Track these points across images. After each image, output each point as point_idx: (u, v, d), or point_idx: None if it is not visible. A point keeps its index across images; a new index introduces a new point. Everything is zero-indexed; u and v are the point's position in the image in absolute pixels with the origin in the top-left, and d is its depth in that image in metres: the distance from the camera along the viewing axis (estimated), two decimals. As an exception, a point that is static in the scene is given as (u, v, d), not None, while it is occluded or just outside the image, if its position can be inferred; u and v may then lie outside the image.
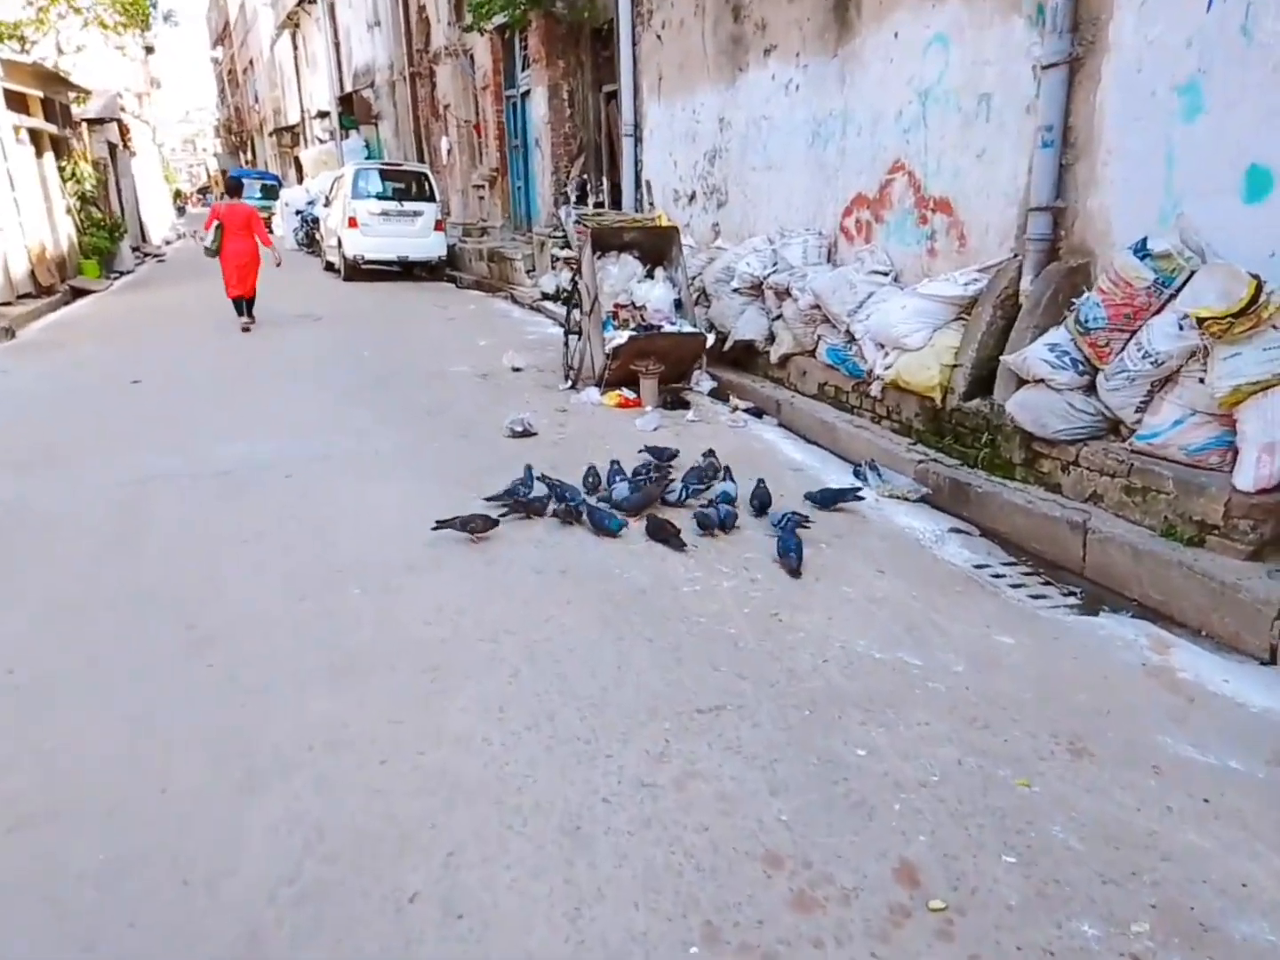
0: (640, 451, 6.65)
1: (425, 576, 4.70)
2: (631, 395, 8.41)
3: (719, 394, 8.94)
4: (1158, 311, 4.99)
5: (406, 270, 20.37)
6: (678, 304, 8.94)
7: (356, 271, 19.21)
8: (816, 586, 4.70)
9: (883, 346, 7.01)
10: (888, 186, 7.62)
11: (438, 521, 5.16)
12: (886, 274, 7.48)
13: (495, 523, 5.28)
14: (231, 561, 4.90)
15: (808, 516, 5.49)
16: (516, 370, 9.94)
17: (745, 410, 8.35)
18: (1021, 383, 5.79)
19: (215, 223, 12.54)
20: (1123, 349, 5.16)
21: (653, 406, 8.30)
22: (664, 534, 5.22)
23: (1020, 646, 4.11)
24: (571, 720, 3.41)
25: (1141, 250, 5.04)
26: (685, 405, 8.36)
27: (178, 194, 62.62)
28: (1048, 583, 5.09)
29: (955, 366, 6.41)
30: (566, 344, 9.45)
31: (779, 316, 8.51)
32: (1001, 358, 5.88)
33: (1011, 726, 3.47)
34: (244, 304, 12.97)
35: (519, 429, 7.30)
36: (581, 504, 5.52)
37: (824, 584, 4.73)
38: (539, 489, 5.70)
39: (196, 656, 3.91)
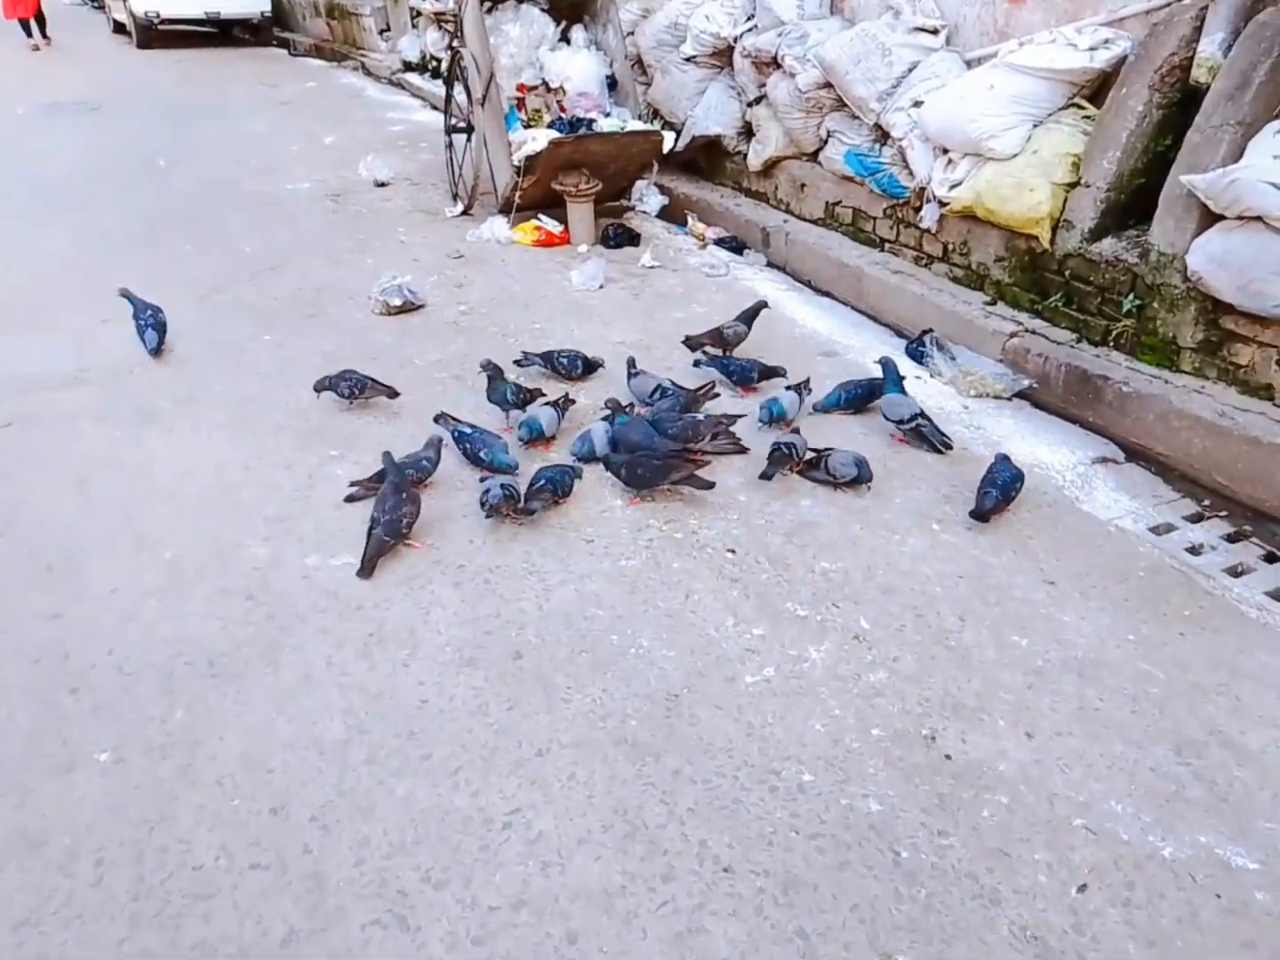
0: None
1: (234, 691, 2.43)
2: (555, 227, 5.84)
3: (670, 215, 6.43)
4: None
5: (223, 32, 16.00)
6: (611, 83, 6.19)
7: (153, 35, 14.79)
8: (966, 636, 2.67)
9: (945, 152, 4.63)
10: (938, -116, 4.92)
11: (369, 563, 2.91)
12: (936, 32, 4.96)
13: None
14: None
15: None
16: (381, 185, 7.08)
17: (716, 242, 5.93)
18: (1212, 219, 3.60)
19: None
20: None
21: (588, 245, 5.78)
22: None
23: (1387, 780, 2.23)
24: None
25: None
26: (634, 239, 5.86)
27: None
28: (1272, 557, 3.22)
29: (1075, 186, 4.15)
30: (449, 145, 6.62)
31: (759, 99, 5.90)
32: (1178, 176, 3.64)
33: None
34: (30, 25, 13.76)
35: (397, 301, 4.75)
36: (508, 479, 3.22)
37: (974, 625, 2.71)
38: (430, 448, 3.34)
39: None
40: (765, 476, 3.35)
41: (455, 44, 6.16)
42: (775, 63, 5.57)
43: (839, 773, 2.21)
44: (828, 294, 5.33)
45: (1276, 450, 3.35)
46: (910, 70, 4.90)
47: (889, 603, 2.80)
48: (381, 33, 12.44)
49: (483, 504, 3.02)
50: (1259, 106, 3.51)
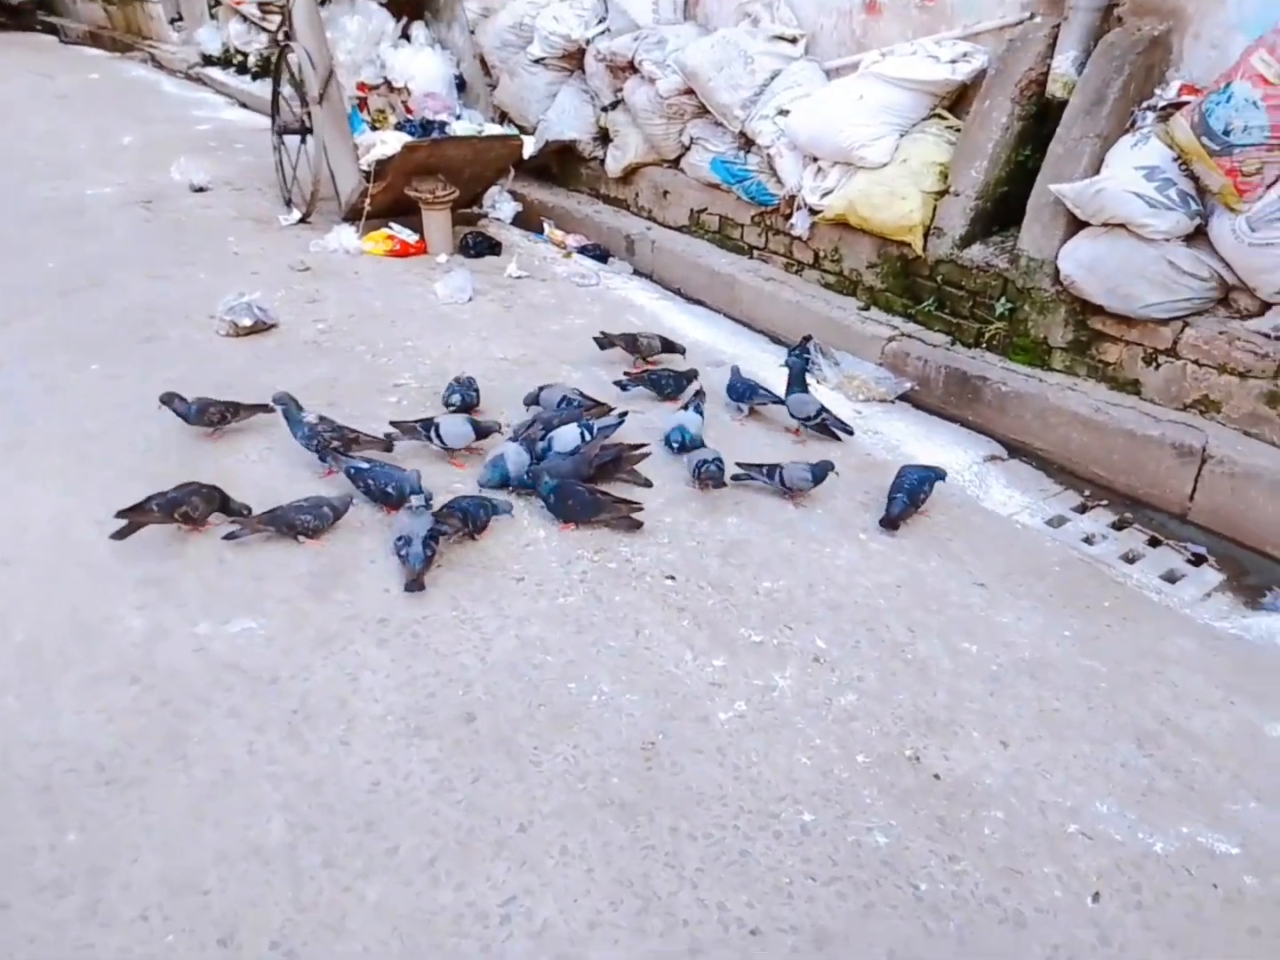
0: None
1: (139, 800, 2.05)
2: (410, 236, 5.48)
3: (525, 222, 6.21)
4: (1360, 116, 3.15)
5: (-27, 16, 14.16)
6: (460, 83, 5.88)
7: (-114, 17, 12.88)
8: (920, 648, 2.66)
9: (815, 160, 4.70)
10: (788, -105, 4.99)
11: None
12: (795, 40, 5.02)
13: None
14: None
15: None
16: (199, 190, 6.42)
17: (579, 250, 5.77)
18: (1077, 226, 3.83)
19: None
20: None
21: (447, 254, 5.46)
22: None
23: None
24: None
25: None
26: (495, 248, 5.60)
27: None
28: (1155, 541, 3.45)
29: (943, 195, 4.30)
30: (279, 147, 6.09)
31: (616, 104, 5.79)
32: (1046, 185, 3.83)
33: None
34: None
35: (247, 321, 4.27)
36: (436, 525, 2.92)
37: (924, 636, 2.70)
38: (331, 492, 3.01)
39: None
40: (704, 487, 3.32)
41: (283, 38, 5.66)
42: (632, 67, 5.47)
43: (837, 807, 2.12)
44: (699, 302, 5.30)
45: (1149, 442, 3.59)
46: (772, 78, 4.92)
47: (838, 619, 2.75)
48: (173, 22, 11.38)
49: (404, 558, 2.72)
50: (1114, 121, 3.75)
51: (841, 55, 4.89)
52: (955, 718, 2.41)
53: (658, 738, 2.28)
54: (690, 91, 5.17)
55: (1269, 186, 3.32)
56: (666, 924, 1.83)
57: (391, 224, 5.52)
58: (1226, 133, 3.31)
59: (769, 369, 4.38)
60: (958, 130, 4.33)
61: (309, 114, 5.53)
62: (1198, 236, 3.59)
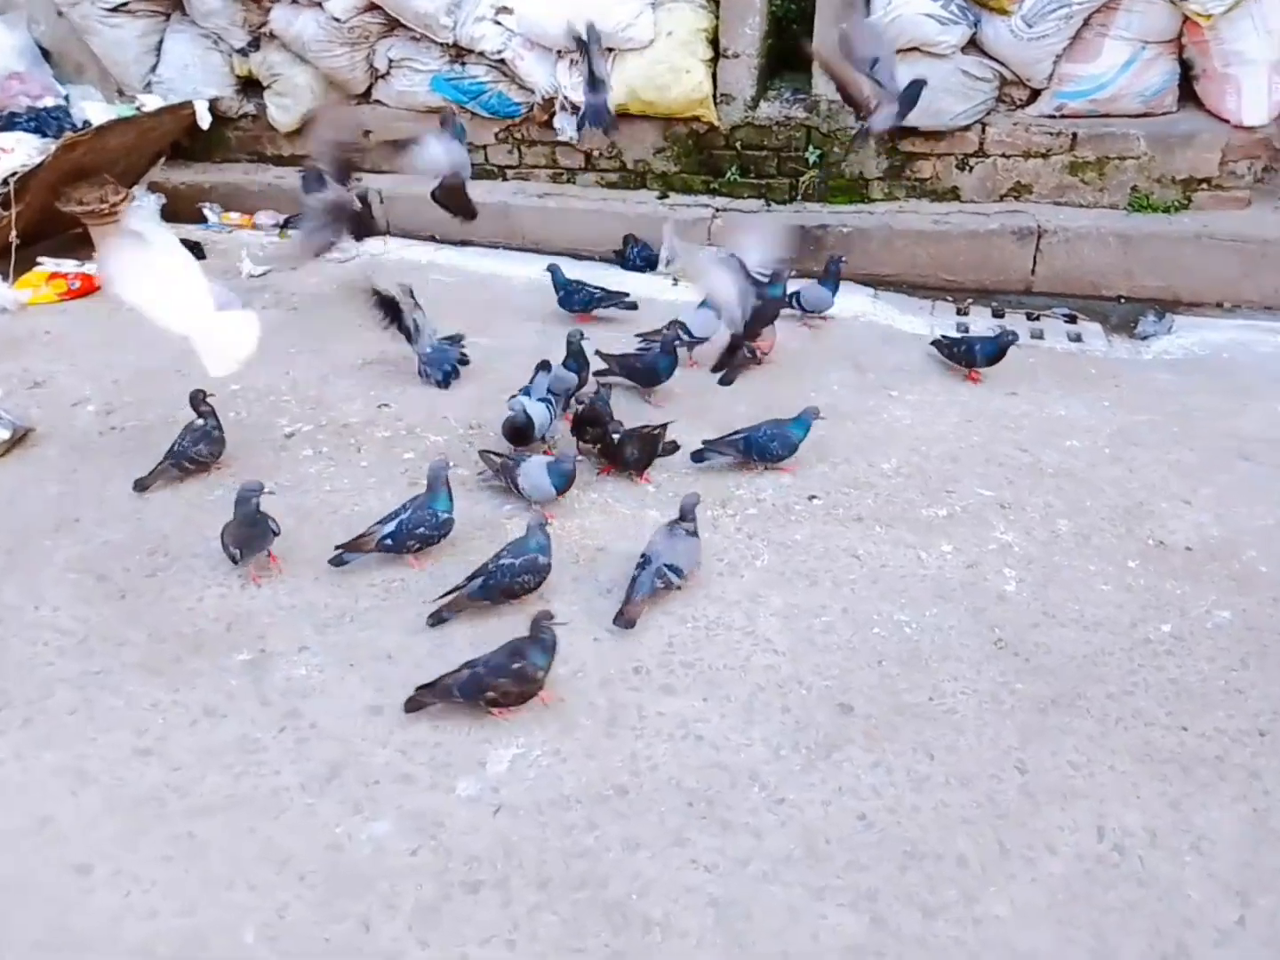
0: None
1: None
2: (84, 267, 4.08)
3: (176, 214, 4.95)
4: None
5: None
6: (44, 52, 4.37)
7: None
8: (1079, 463, 2.83)
9: (563, 54, 4.33)
10: None
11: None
12: (473, -73, 4.48)
13: None
14: None
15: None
16: None
17: (285, 225, 4.79)
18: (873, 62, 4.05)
19: None
20: (1037, -22, 3.80)
21: (146, 273, 4.18)
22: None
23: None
24: None
25: None
26: (196, 250, 4.37)
27: None
28: (1030, 315, 3.99)
29: (721, 59, 4.25)
30: None
31: (256, 43, 4.74)
32: (843, 26, 3.96)
33: None
34: None
35: (4, 434, 2.95)
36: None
37: (1079, 455, 2.88)
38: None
39: None
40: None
41: None
42: (279, -9, 4.49)
43: (1171, 611, 2.27)
44: (465, 243, 4.72)
45: (990, 235, 4.08)
46: (470, -25, 4.39)
47: (1000, 471, 2.82)
48: None
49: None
50: (872, -43, 3.97)
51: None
52: (1143, 499, 2.64)
53: (1000, 631, 2.20)
54: (374, 7, 4.42)
55: (1030, -13, 3.81)
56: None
57: (42, 260, 4.07)
58: (996, -58, 3.70)
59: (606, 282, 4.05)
60: (702, -7, 4.27)
61: None
62: (968, 46, 4.02)
